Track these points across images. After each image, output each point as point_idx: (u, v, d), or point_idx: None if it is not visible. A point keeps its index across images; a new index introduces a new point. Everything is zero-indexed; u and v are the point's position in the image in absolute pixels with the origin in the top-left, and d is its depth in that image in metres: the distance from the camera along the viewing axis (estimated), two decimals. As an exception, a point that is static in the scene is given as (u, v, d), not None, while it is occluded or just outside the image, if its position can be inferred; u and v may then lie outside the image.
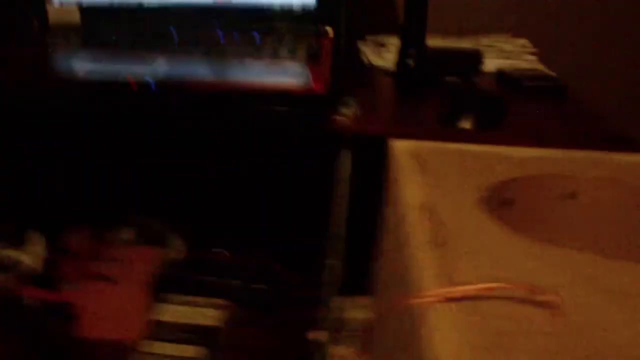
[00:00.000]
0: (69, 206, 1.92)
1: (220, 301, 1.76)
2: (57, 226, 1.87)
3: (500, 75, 1.58)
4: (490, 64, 1.66)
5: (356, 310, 1.48)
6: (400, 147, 0.98)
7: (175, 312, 1.72)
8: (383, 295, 0.95)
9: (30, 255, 1.85)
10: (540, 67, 1.68)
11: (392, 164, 0.93)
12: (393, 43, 1.75)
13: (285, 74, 1.37)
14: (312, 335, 1.66)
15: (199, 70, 1.47)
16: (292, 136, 1.58)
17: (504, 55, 1.73)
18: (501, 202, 0.90)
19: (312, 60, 1.43)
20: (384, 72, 1.61)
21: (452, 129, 1.14)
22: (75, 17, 1.83)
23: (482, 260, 0.71)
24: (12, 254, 1.82)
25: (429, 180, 0.88)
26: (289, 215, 1.75)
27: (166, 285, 1.79)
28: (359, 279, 1.38)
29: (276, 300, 1.80)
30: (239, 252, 1.87)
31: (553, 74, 1.59)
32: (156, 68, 1.49)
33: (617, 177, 0.94)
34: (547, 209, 0.93)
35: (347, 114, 1.18)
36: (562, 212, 0.94)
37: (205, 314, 1.72)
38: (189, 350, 1.58)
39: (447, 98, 1.21)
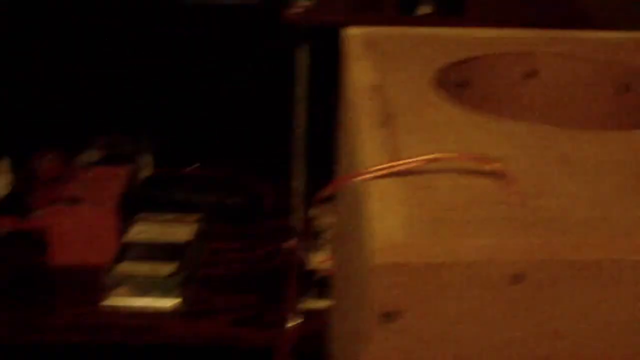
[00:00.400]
0: (35, 129, 1.87)
1: (192, 217, 1.73)
2: (23, 151, 1.82)
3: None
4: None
5: (331, 216, 1.46)
6: (354, 35, 0.94)
7: (147, 230, 1.69)
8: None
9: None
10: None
11: (345, 51, 0.89)
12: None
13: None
14: (287, 244, 1.63)
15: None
16: (246, 33, 1.53)
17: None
18: (457, 83, 0.86)
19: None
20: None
21: (411, 16, 1.09)
22: None
23: (430, 135, 0.68)
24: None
25: (381, 64, 0.85)
26: (253, 120, 1.70)
27: (137, 204, 1.75)
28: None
29: (250, 212, 1.77)
30: (209, 165, 1.83)
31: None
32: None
33: (578, 53, 0.90)
34: (506, 89, 0.90)
35: (302, 4, 1.14)
36: (522, 90, 0.90)
37: (177, 230, 1.69)
38: (162, 268, 1.56)
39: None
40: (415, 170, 0.61)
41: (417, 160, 0.61)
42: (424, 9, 1.07)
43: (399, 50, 0.89)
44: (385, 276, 0.53)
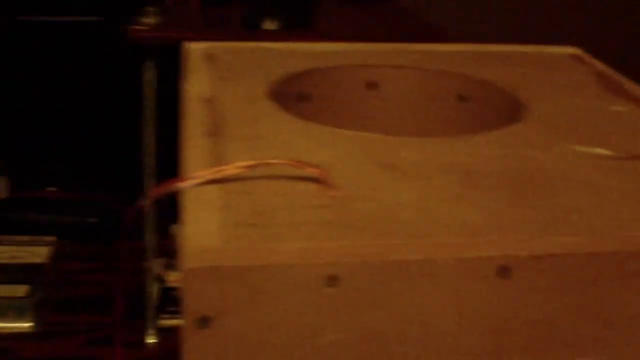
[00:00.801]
0: None
1: (47, 239, 1.69)
2: None
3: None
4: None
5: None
6: (194, 49, 0.92)
7: (1, 252, 1.63)
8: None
9: None
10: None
11: (185, 65, 0.87)
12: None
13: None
14: (146, 264, 1.59)
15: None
16: (92, 51, 1.50)
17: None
18: (297, 95, 0.86)
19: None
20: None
21: (257, 31, 1.08)
22: None
23: (257, 143, 0.67)
24: None
25: (217, 76, 0.83)
26: (107, 138, 1.67)
27: None
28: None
29: (107, 232, 1.73)
30: (67, 186, 1.78)
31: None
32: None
33: (420, 65, 0.90)
34: (346, 101, 0.89)
35: (147, 22, 1.11)
36: (362, 103, 0.90)
37: (32, 252, 1.64)
38: (16, 289, 1.51)
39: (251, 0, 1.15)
40: (235, 177, 0.60)
41: (236, 167, 0.59)
42: (269, 25, 1.06)
43: (238, 63, 0.88)
44: (197, 281, 0.51)
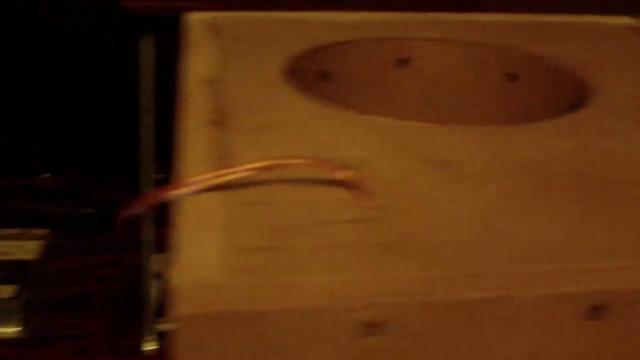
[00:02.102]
0: None
1: (39, 231, 1.55)
2: None
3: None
4: None
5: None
6: (195, 20, 0.78)
7: None
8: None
9: None
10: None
11: (185, 39, 0.73)
12: None
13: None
14: (143, 261, 1.46)
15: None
16: (86, 27, 1.36)
17: None
18: (318, 73, 0.71)
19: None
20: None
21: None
22: None
23: (273, 136, 0.53)
24: None
25: (224, 53, 0.69)
26: (102, 123, 1.53)
27: None
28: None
29: (106, 224, 1.60)
30: (58, 173, 1.65)
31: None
32: None
33: (459, 38, 0.76)
34: (375, 79, 0.75)
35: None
36: (394, 81, 0.75)
37: (21, 247, 1.51)
38: (2, 290, 1.38)
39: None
40: (245, 182, 0.46)
41: (246, 169, 0.45)
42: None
43: (248, 37, 0.74)
44: (191, 330, 0.37)
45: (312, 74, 0.72)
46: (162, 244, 1.36)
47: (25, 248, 1.45)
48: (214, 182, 0.46)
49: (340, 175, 0.45)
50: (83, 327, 1.33)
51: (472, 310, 0.39)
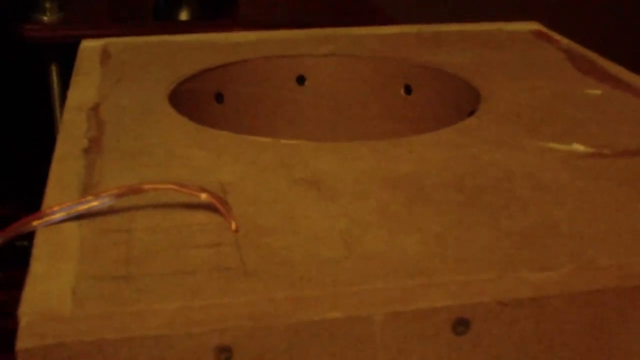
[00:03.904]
0: None
1: None
2: None
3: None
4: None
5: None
6: (88, 47, 0.76)
7: None
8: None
9: None
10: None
11: (76, 66, 0.71)
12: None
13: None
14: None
15: None
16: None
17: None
18: (209, 97, 0.70)
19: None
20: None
21: (169, 23, 0.92)
22: None
23: (142, 162, 0.51)
24: None
25: (109, 78, 0.67)
26: (21, 154, 1.50)
27: None
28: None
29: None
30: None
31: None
32: None
33: (356, 52, 0.75)
34: (270, 98, 0.74)
35: (44, 19, 0.95)
36: (289, 98, 0.74)
37: None
38: None
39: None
40: (105, 209, 0.44)
41: (105, 195, 0.44)
42: (185, 15, 0.91)
43: (139, 61, 0.72)
44: (38, 366, 0.36)
45: (204, 96, 0.71)
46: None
47: None
48: (73, 210, 0.44)
49: (202, 198, 0.44)
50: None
51: (331, 331, 0.38)
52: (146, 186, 0.44)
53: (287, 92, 0.75)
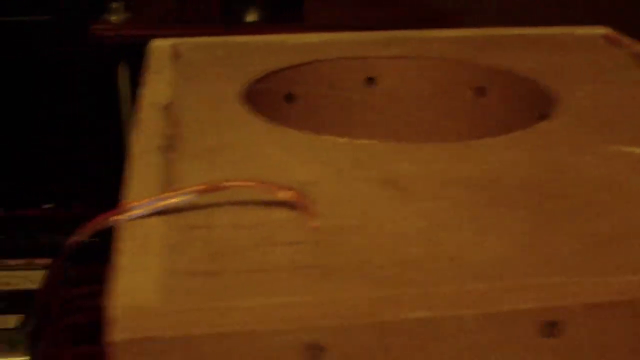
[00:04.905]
0: None
1: (44, 261, 1.53)
2: None
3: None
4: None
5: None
6: (158, 47, 0.77)
7: None
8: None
9: None
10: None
11: (146, 65, 0.72)
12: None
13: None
14: None
15: None
16: (55, 56, 1.35)
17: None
18: (280, 97, 0.70)
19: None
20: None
21: (237, 24, 0.93)
22: None
23: (220, 160, 0.51)
24: None
25: (182, 77, 0.68)
26: (90, 152, 1.52)
27: None
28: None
29: (108, 252, 1.57)
30: (60, 203, 1.63)
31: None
32: None
33: (427, 54, 0.75)
34: (340, 99, 0.74)
35: (112, 20, 0.96)
36: (360, 99, 0.74)
37: (26, 277, 1.49)
38: (8, 320, 1.36)
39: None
40: (186, 205, 0.44)
41: (186, 192, 0.44)
42: (252, 16, 0.91)
43: (208, 61, 0.73)
44: (126, 356, 0.36)
45: (275, 97, 0.71)
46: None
47: (30, 278, 1.43)
48: (154, 206, 0.45)
49: (282, 196, 0.44)
50: (90, 355, 1.31)
51: (419, 331, 0.37)
52: (227, 183, 0.44)
53: (357, 93, 0.75)
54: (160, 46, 0.78)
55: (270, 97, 0.71)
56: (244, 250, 0.41)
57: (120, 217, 0.45)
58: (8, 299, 1.46)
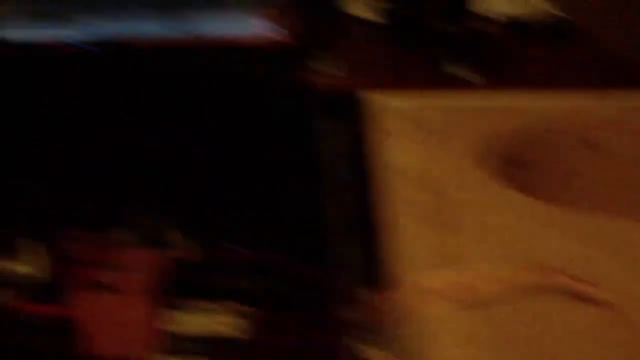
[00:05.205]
0: (56, 208, 1.73)
1: (238, 306, 1.57)
2: (48, 231, 1.68)
3: (505, 18, 1.37)
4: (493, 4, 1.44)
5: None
6: (391, 106, 0.80)
7: (189, 320, 1.54)
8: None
9: (29, 266, 1.68)
10: (547, 6, 1.47)
11: (379, 125, 0.75)
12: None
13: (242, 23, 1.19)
14: (346, 339, 1.45)
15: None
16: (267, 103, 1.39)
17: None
18: (512, 162, 0.72)
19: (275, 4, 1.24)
20: (364, 21, 1.39)
21: (446, 80, 0.95)
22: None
23: (495, 236, 0.53)
24: (6, 265, 1.64)
25: (423, 141, 0.70)
26: (283, 196, 1.54)
27: (177, 290, 1.61)
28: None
29: (301, 299, 1.59)
30: (246, 245, 1.66)
31: (563, 14, 1.39)
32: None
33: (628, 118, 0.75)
34: (564, 164, 0.75)
35: (322, 69, 1.00)
36: (580, 165, 0.75)
37: (222, 321, 1.54)
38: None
39: (438, 45, 1.03)
40: (495, 300, 0.46)
41: (498, 284, 0.46)
42: (459, 71, 0.94)
43: (440, 125, 0.75)
44: None
45: (505, 161, 0.73)
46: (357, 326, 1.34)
47: (221, 322, 1.48)
48: (457, 295, 0.46)
49: (598, 296, 0.45)
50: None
51: None
52: (557, 279, 0.45)
53: (579, 157, 0.76)
54: (390, 106, 0.80)
55: (499, 161, 0.73)
56: (574, 339, 0.43)
57: (410, 298, 0.46)
58: (199, 342, 1.50)
